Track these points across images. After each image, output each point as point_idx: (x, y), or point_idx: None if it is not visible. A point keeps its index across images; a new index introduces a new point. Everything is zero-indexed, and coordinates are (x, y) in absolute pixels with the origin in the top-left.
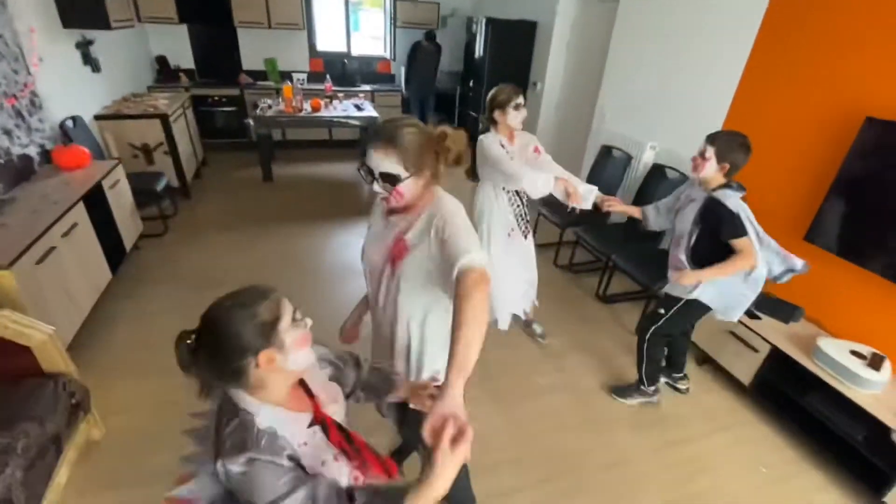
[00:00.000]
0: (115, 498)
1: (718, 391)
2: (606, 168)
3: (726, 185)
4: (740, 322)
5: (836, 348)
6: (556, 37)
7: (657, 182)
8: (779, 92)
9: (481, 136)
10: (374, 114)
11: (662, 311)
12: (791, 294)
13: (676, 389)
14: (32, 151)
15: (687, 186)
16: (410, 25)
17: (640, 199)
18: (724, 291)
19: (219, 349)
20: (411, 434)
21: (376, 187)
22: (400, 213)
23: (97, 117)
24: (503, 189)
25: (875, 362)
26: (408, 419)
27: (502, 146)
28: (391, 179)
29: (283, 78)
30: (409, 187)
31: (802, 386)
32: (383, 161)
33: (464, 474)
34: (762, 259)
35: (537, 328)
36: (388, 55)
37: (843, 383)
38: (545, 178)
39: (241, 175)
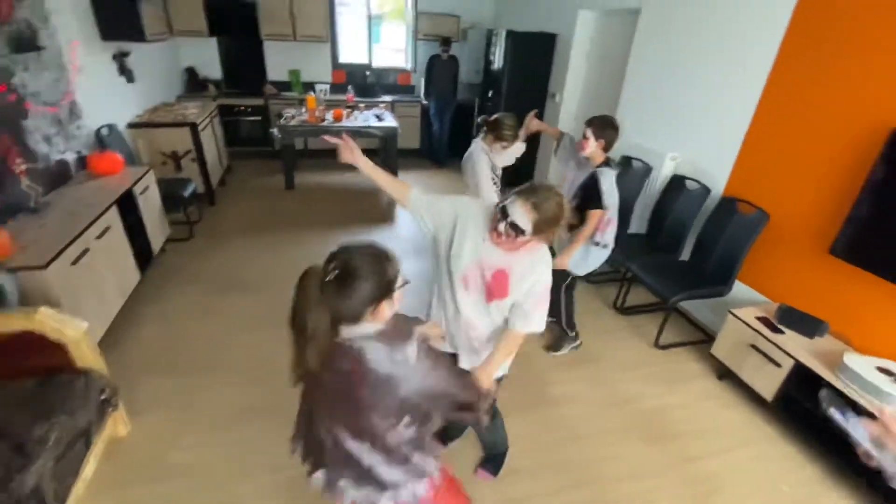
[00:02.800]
0: (137, 494)
1: (739, 406)
2: (626, 178)
3: (606, 163)
4: (763, 336)
5: (863, 365)
6: (575, 48)
7: (676, 193)
8: (802, 103)
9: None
10: (394, 124)
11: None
12: (816, 307)
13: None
14: (70, 157)
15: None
16: (431, 38)
17: (660, 210)
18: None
19: (352, 292)
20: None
21: (501, 226)
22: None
23: (130, 125)
24: None
25: None
26: None
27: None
28: (517, 230)
29: (307, 89)
30: (525, 241)
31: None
32: (520, 213)
33: (499, 422)
34: (614, 230)
35: None
36: (408, 67)
37: (870, 401)
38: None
39: (264, 182)
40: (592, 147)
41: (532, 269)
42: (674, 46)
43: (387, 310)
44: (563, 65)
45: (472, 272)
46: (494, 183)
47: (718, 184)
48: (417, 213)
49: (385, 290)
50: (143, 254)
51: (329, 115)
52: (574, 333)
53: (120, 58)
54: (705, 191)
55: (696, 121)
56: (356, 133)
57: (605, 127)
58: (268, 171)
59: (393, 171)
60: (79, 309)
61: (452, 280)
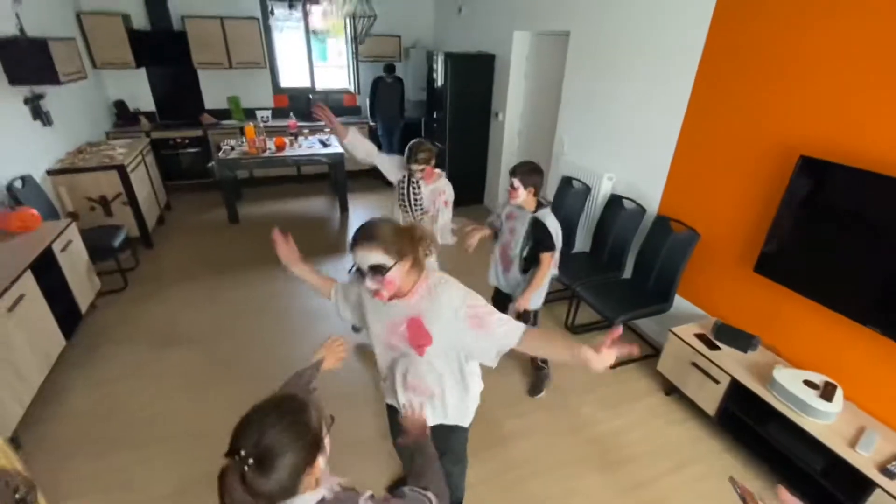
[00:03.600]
0: None
1: (686, 422)
2: (567, 199)
3: (540, 205)
4: (700, 354)
5: (791, 378)
6: (513, 69)
7: (615, 212)
8: (721, 125)
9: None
10: (339, 150)
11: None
12: (748, 322)
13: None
14: None
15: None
16: (373, 59)
17: (601, 228)
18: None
19: (278, 471)
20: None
21: (369, 282)
22: (397, 297)
23: (50, 172)
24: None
25: (827, 392)
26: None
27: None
28: (380, 270)
29: (248, 115)
30: (396, 274)
31: (763, 416)
32: (368, 255)
33: (461, 469)
34: (556, 262)
35: None
36: (352, 89)
37: (798, 413)
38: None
39: (207, 218)
40: (523, 195)
41: (431, 301)
42: (603, 69)
43: (321, 463)
44: (503, 84)
45: (390, 336)
46: (402, 204)
47: (653, 203)
48: (336, 304)
49: (314, 447)
50: (68, 315)
51: (271, 144)
52: (546, 366)
53: (33, 101)
54: (641, 210)
55: (628, 142)
56: (301, 162)
57: (530, 173)
58: (211, 204)
59: (342, 196)
60: None
61: (382, 349)
